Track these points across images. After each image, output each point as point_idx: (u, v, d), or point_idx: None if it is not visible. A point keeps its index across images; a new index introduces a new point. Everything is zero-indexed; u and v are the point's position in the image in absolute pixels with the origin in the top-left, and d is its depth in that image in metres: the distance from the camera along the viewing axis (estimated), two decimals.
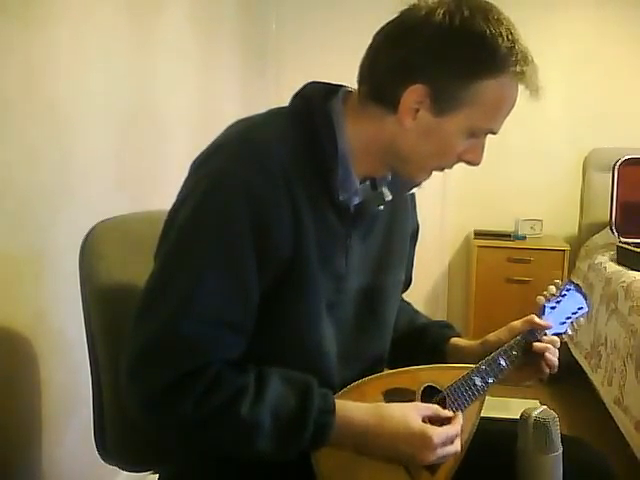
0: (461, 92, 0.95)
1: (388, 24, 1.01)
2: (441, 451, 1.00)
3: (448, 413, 1.05)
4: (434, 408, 1.04)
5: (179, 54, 2.47)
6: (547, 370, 1.17)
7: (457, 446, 1.03)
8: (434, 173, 1.08)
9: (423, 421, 1.01)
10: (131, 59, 2.10)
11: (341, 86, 1.07)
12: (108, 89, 1.95)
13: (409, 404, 1.03)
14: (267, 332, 1.00)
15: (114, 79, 1.98)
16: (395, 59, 0.97)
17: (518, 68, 0.95)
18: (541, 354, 1.17)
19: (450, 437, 1.02)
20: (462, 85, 0.95)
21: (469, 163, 1.05)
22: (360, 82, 1.03)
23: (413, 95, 0.96)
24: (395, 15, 1.00)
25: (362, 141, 1.03)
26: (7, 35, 1.48)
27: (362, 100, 1.02)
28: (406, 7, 0.99)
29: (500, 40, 0.93)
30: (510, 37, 0.94)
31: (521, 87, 0.98)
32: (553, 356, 1.17)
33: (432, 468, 1.05)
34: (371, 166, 1.06)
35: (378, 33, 1.01)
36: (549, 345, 1.17)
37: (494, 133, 1.02)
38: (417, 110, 0.97)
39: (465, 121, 0.97)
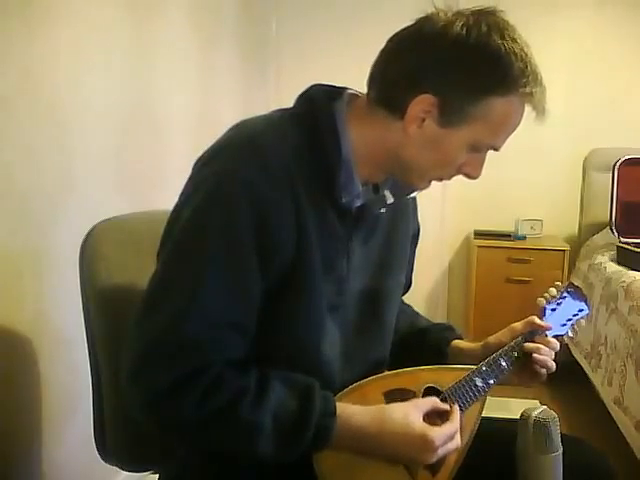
0: (469, 106, 0.96)
1: (404, 30, 1.01)
2: (442, 450, 1.00)
3: (445, 406, 1.05)
4: (432, 401, 1.05)
5: (179, 54, 2.47)
6: (543, 371, 1.17)
7: (457, 441, 1.03)
8: None
9: (424, 418, 1.01)
10: (131, 59, 2.10)
11: (345, 88, 1.07)
12: (108, 89, 1.95)
13: (409, 403, 1.03)
14: (269, 334, 1.00)
15: (114, 79, 1.98)
16: (408, 67, 0.98)
17: (528, 89, 0.96)
18: (535, 355, 1.16)
19: (450, 435, 1.02)
20: (471, 100, 0.96)
21: (468, 176, 1.05)
22: (370, 85, 1.03)
23: (421, 104, 0.96)
24: (412, 22, 1.00)
25: (365, 145, 1.03)
26: (7, 35, 1.48)
27: (370, 104, 1.02)
28: (424, 16, 0.99)
29: (514, 59, 0.94)
30: (524, 57, 0.95)
31: (528, 107, 0.99)
32: (545, 356, 1.16)
33: (433, 469, 1.05)
34: (372, 170, 1.06)
35: (393, 38, 1.01)
36: (540, 345, 1.17)
37: (496, 149, 1.02)
38: (423, 119, 0.98)
39: (469, 135, 0.98)
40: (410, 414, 1.00)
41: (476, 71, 0.95)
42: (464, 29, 0.95)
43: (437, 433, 0.99)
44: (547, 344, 1.18)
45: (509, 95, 0.96)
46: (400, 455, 1.01)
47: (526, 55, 0.95)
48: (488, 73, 0.95)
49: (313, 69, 3.51)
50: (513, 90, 0.95)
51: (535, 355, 1.16)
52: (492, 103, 0.96)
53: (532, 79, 0.96)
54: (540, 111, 0.99)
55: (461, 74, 0.95)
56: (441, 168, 1.03)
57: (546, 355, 1.16)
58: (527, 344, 1.17)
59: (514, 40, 0.95)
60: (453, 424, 1.03)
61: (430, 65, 0.96)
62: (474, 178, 1.05)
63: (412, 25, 1.00)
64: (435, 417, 1.04)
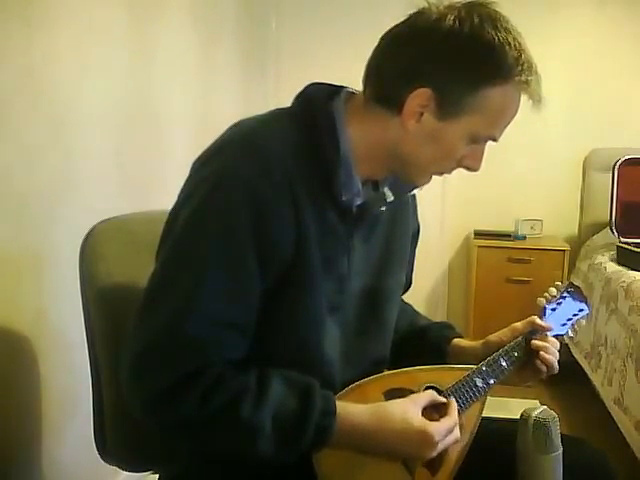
0: (466, 98, 0.96)
1: (397, 26, 1.01)
2: (442, 445, 1.01)
3: (443, 399, 1.05)
4: (430, 395, 1.05)
5: (179, 53, 2.47)
6: (544, 369, 1.17)
7: (456, 434, 1.03)
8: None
9: (422, 413, 1.01)
10: (131, 59, 2.10)
11: (343, 87, 1.07)
12: (108, 89, 1.95)
13: (407, 399, 1.03)
14: (269, 333, 1.00)
15: (114, 79, 1.98)
16: (403, 62, 0.98)
17: (523, 77, 0.96)
18: (537, 353, 1.17)
19: (449, 429, 1.02)
20: (468, 91, 0.96)
21: (468, 169, 1.06)
22: (365, 83, 1.03)
23: (418, 98, 0.97)
24: (404, 17, 1.01)
25: (364, 143, 1.03)
26: (7, 34, 1.48)
27: (366, 101, 1.03)
28: (416, 10, 1.00)
29: (508, 49, 0.95)
30: (517, 46, 0.96)
31: (524, 97, 0.99)
32: (552, 356, 1.17)
33: (433, 468, 1.05)
34: (372, 168, 1.06)
35: (386, 34, 1.02)
36: (547, 344, 1.17)
37: (495, 140, 1.03)
38: (421, 114, 0.98)
39: (468, 127, 0.98)
40: (408, 410, 1.00)
41: (471, 62, 0.96)
42: (457, 22, 0.95)
43: (436, 428, 0.99)
44: (552, 345, 1.18)
45: (505, 85, 0.96)
46: (400, 451, 1.01)
47: (519, 44, 0.96)
48: (483, 64, 0.96)
49: (313, 67, 3.51)
50: (509, 79, 0.96)
51: (542, 353, 1.16)
52: (488, 93, 0.96)
53: (527, 68, 0.96)
54: (536, 100, 1.00)
55: (456, 66, 0.96)
56: (441, 162, 1.03)
57: (552, 355, 1.17)
58: (535, 342, 1.17)
59: (507, 30, 0.96)
60: (451, 417, 1.03)
61: (425, 59, 0.96)
62: (475, 170, 1.06)
63: (405, 20, 1.01)
64: (433, 411, 1.04)
